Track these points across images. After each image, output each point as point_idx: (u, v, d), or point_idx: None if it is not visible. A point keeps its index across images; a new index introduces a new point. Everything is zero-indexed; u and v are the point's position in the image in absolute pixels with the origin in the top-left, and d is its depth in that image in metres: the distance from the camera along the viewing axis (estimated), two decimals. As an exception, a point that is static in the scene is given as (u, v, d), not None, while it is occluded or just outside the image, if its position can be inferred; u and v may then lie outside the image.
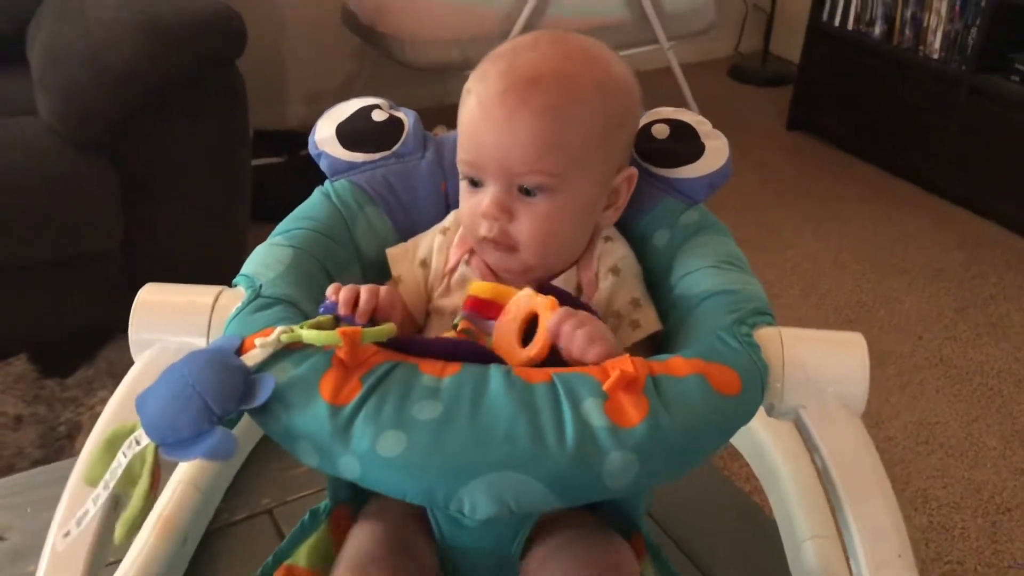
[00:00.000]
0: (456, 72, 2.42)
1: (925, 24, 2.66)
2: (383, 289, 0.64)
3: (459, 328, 0.65)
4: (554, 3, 2.44)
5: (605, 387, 0.55)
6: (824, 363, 0.62)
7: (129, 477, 0.56)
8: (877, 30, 2.80)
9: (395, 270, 0.73)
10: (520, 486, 0.52)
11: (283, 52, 2.80)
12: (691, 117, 0.77)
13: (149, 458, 0.55)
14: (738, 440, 0.90)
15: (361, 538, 0.65)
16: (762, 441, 0.87)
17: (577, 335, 0.59)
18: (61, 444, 1.61)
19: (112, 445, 0.57)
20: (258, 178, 1.99)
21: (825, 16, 2.91)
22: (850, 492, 0.61)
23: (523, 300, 0.63)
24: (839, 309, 2.21)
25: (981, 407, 1.91)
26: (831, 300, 2.24)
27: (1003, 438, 1.82)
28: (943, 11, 2.61)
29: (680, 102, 2.86)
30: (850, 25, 2.86)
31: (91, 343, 1.76)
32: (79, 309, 1.73)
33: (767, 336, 0.62)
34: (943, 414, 1.89)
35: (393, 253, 0.75)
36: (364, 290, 0.62)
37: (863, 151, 2.90)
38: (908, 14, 2.70)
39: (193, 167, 1.72)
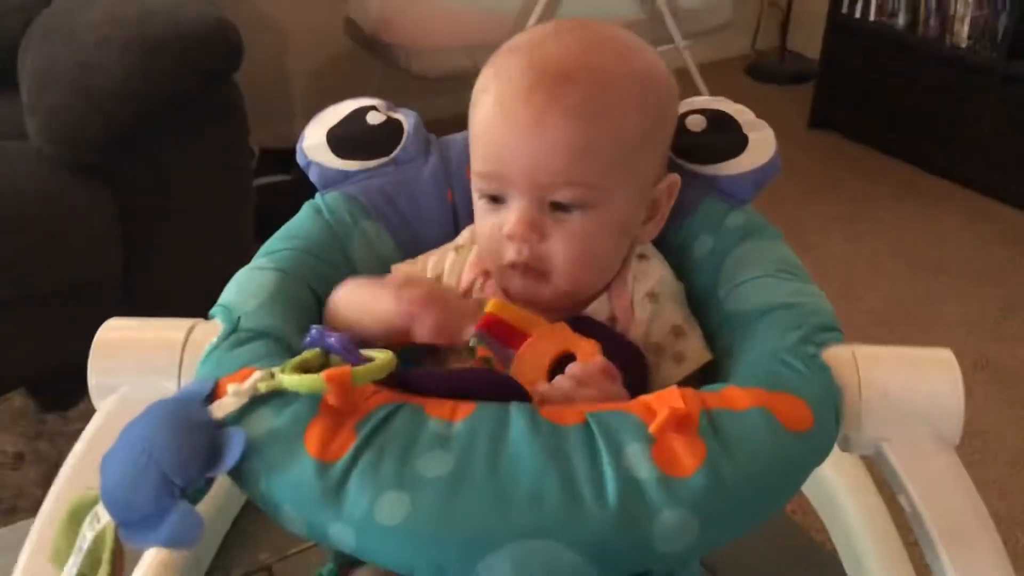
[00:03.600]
0: (468, 80, 2.33)
1: (951, 12, 2.55)
2: None
3: (477, 355, 0.56)
4: (565, 3, 2.35)
5: (652, 428, 0.45)
6: (909, 387, 0.52)
7: (92, 559, 0.47)
8: (901, 20, 2.69)
9: None
10: (551, 557, 0.42)
11: (287, 67, 2.72)
12: (729, 106, 0.67)
13: (109, 540, 0.46)
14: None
15: None
16: (823, 474, 0.77)
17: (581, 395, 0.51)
18: (63, 483, 1.53)
19: (74, 519, 0.48)
20: (264, 198, 1.91)
21: (845, 8, 2.81)
22: (947, 539, 0.51)
23: (558, 334, 0.54)
24: (877, 312, 2.10)
25: (1035, 412, 1.80)
26: (867, 303, 2.13)
27: (1061, 445, 1.71)
28: (970, -3, 2.50)
29: (698, 103, 2.76)
30: (872, 16, 2.76)
31: (93, 375, 1.69)
32: (79, 340, 1.64)
33: (838, 357, 0.53)
34: (995, 421, 1.77)
35: (400, 269, 0.65)
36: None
37: (891, 147, 2.79)
38: (933, 2, 2.60)
39: (192, 186, 1.64)
